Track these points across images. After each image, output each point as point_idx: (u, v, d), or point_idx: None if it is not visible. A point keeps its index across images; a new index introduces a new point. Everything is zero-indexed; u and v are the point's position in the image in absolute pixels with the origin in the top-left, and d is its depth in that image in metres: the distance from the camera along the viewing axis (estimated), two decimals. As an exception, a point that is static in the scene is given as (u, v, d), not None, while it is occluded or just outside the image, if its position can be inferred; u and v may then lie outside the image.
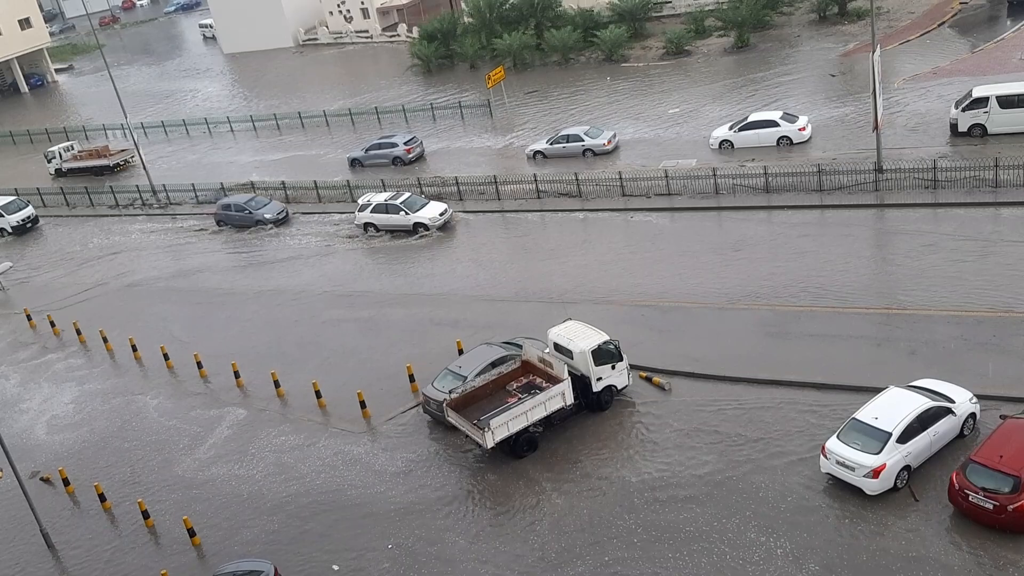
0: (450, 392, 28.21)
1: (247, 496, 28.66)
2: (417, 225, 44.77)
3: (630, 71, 63.35)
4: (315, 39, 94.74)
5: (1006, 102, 40.40)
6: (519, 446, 27.31)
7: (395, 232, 45.42)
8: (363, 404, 31.33)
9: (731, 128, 46.65)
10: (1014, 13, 55.20)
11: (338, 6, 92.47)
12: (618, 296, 34.99)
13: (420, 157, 55.67)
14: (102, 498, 29.46)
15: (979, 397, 24.75)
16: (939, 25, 58.05)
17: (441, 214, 45.06)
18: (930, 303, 30.27)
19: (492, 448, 26.63)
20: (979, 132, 41.29)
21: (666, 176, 42.83)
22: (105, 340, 39.79)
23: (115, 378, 37.47)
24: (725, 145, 46.36)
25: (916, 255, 33.67)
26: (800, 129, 45.02)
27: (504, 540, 24.66)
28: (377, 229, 45.93)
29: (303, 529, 26.84)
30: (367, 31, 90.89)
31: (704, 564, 22.44)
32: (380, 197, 46.47)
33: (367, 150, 56.19)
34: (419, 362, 32.48)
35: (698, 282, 34.92)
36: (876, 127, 39.67)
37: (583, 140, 50.13)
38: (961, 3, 60.55)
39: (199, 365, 36.07)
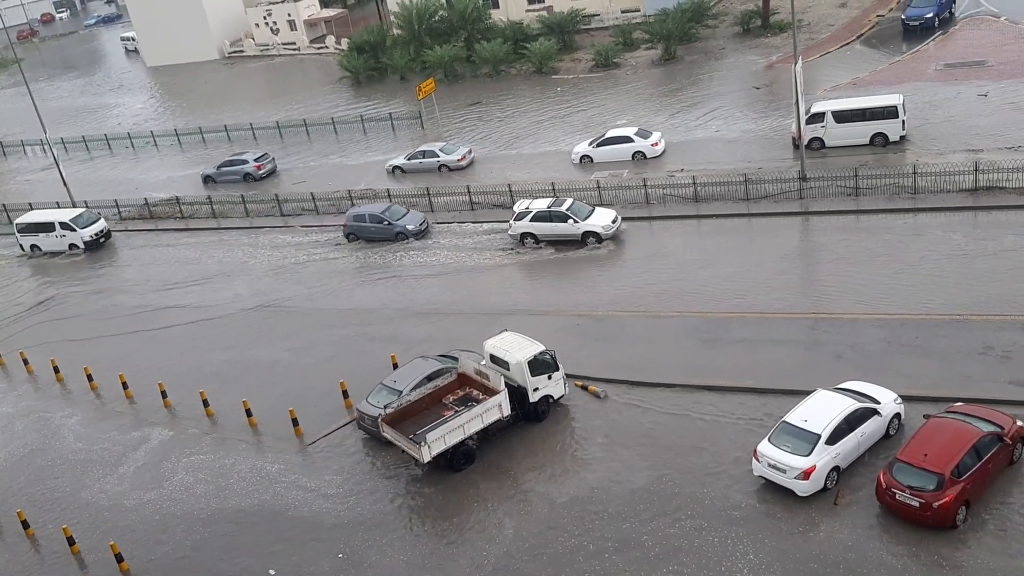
0: (385, 407, 27.90)
1: (175, 516, 27.86)
2: (588, 235, 39.95)
3: (563, 83, 63.88)
4: (241, 51, 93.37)
5: (841, 117, 42.75)
6: (457, 459, 27.12)
7: (560, 243, 40.35)
8: (295, 422, 30.80)
9: (590, 144, 48.70)
10: (909, 38, 57.15)
11: (264, 18, 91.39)
12: (554, 307, 35.11)
13: (272, 173, 57.52)
14: (25, 525, 28.32)
15: (903, 397, 25.44)
16: (858, 38, 59.89)
17: (613, 221, 40.10)
18: (855, 307, 31.07)
19: (429, 462, 26.40)
20: (818, 145, 43.49)
21: (598, 187, 43.29)
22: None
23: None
24: (585, 160, 48.46)
25: (841, 260, 34.54)
26: (653, 144, 47.27)
27: (441, 556, 24.39)
28: (538, 240, 41.08)
29: (235, 544, 26.26)
30: (294, 43, 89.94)
31: (641, 574, 22.52)
32: (542, 204, 41.21)
33: (219, 167, 58.08)
34: (353, 378, 32.07)
35: (631, 291, 35.26)
36: (799, 136, 40.69)
37: (438, 156, 52.04)
38: (878, 16, 62.60)
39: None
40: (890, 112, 42.32)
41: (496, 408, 27.34)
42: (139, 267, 48.28)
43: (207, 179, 58.30)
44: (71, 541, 27.17)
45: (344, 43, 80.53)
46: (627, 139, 47.84)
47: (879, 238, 35.48)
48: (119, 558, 26.03)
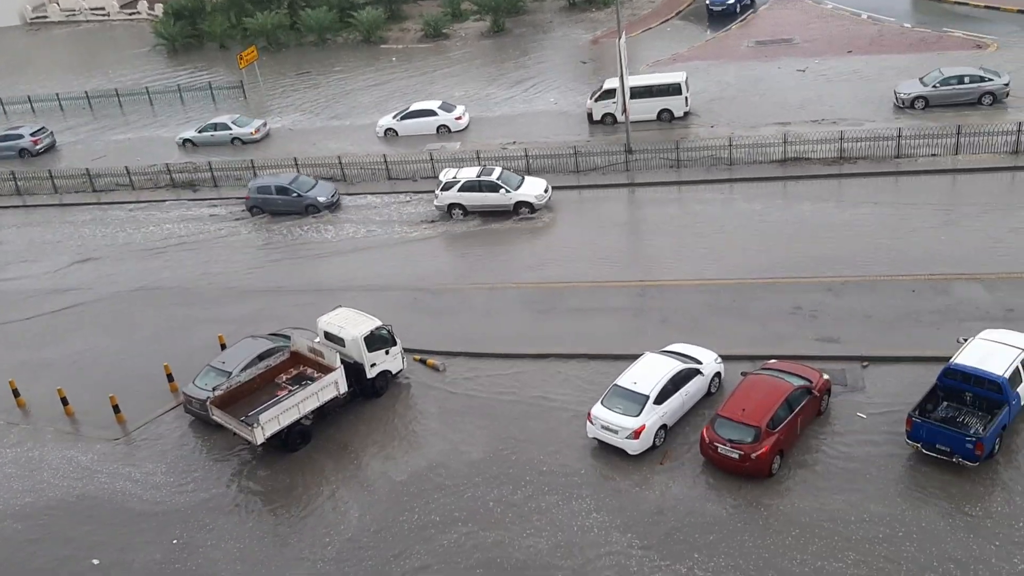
0: (214, 389, 26.82)
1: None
2: (520, 205, 38.61)
3: (395, 52, 62.92)
4: (45, 17, 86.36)
5: (634, 93, 44.33)
6: (292, 439, 26.48)
7: (489, 214, 38.79)
8: (116, 409, 29.13)
9: (395, 117, 48.95)
10: (713, 23, 59.83)
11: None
12: (391, 282, 34.77)
13: (51, 147, 54.67)
14: None
15: (723, 357, 26.90)
16: (677, 14, 62.27)
17: (545, 191, 38.90)
18: (679, 274, 32.48)
19: (262, 444, 25.65)
20: (611, 120, 45.51)
21: (431, 159, 43.12)
22: None
23: None
24: (390, 133, 48.58)
25: (665, 230, 36.02)
26: (457, 118, 47.85)
27: (281, 541, 23.83)
28: (466, 212, 39.09)
29: (53, 536, 24.83)
30: (103, 8, 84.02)
31: (490, 539, 22.76)
32: (470, 172, 39.25)
33: None
34: (177, 361, 30.65)
35: (467, 265, 35.41)
36: (625, 110, 41.95)
37: (231, 128, 51.03)
38: (694, -5, 65.20)
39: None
40: (674, 89, 44.59)
41: (332, 386, 26.85)
42: None
43: None
44: None
45: (158, 8, 75.97)
46: (431, 112, 47.99)
47: (699, 208, 37.20)
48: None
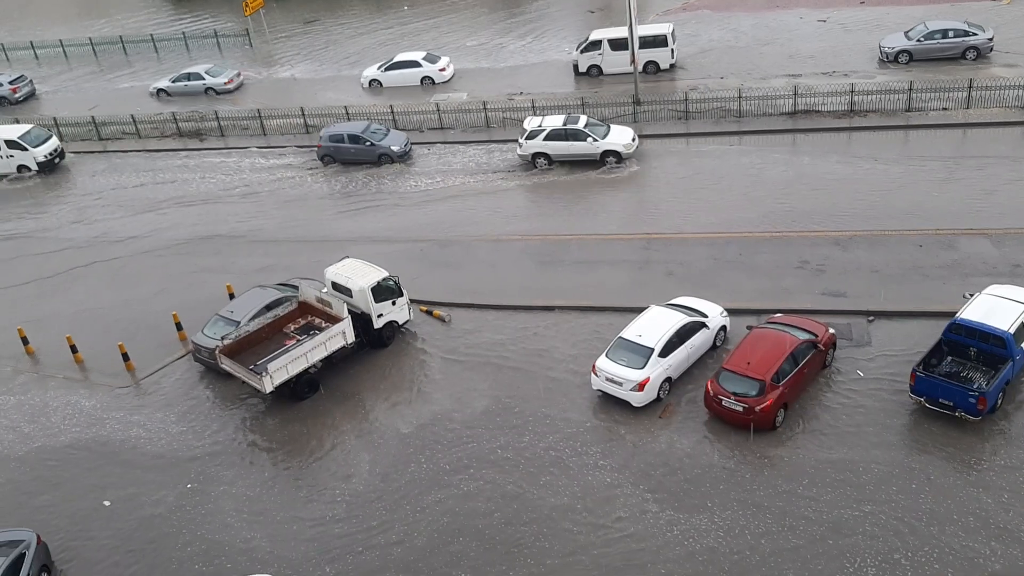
0: (222, 338, 27.04)
1: (-4, 461, 26.34)
2: (607, 154, 37.52)
3: (406, 1, 62.18)
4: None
5: (616, 45, 44.45)
6: (300, 388, 26.76)
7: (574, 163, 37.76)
8: (126, 357, 29.41)
9: (379, 68, 48.99)
10: None
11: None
12: (398, 234, 34.78)
13: (31, 96, 54.89)
14: None
15: (728, 311, 26.96)
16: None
17: (632, 139, 37.78)
18: (685, 227, 32.42)
19: (271, 392, 25.93)
20: (596, 72, 45.63)
21: (437, 109, 42.85)
22: None
23: None
24: (374, 84, 48.73)
25: (672, 182, 35.87)
26: (441, 70, 48.11)
27: (290, 485, 24.19)
28: (550, 161, 38.22)
29: (61, 477, 25.33)
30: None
31: (508, 486, 23.00)
32: (555, 120, 38.13)
33: None
34: (184, 310, 30.84)
35: (472, 216, 35.37)
36: (633, 61, 41.51)
37: (204, 79, 51.12)
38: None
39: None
40: (660, 41, 44.53)
41: (340, 335, 27.04)
42: (93, 194, 42.56)
43: None
44: None
45: (162, -47, 74.92)
46: (415, 63, 48.23)
47: (706, 161, 36.97)
48: (-66, 509, 24.38)
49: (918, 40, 41.86)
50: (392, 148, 40.38)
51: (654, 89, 42.14)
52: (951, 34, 41.52)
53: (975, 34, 41.34)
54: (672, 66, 44.75)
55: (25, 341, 31.01)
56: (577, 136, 37.57)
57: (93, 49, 59.93)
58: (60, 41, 60.78)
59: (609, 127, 38.31)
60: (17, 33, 66.04)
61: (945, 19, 43.80)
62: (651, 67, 44.72)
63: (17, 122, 48.52)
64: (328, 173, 40.75)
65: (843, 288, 27.97)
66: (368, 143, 40.53)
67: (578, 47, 46.10)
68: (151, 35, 60.13)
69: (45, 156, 44.71)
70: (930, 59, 41.61)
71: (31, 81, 55.31)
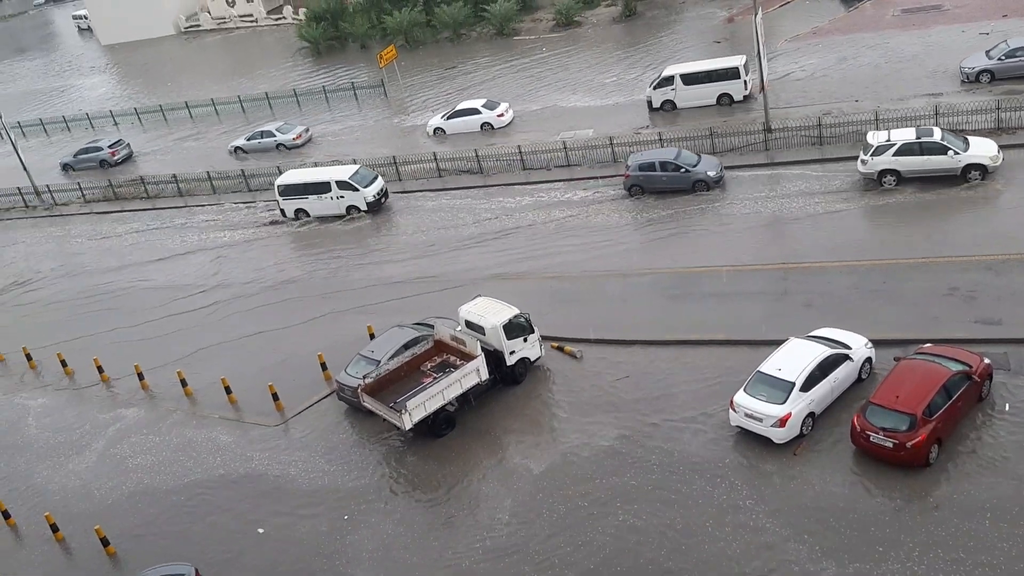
0: (364, 377, 27.98)
1: (159, 490, 27.98)
2: (970, 168, 33.77)
3: (539, 43, 63.32)
4: (197, 26, 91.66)
5: (688, 79, 44.71)
6: (438, 425, 27.33)
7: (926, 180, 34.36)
8: (275, 396, 30.81)
9: (442, 117, 51.28)
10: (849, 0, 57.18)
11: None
12: (528, 271, 35.16)
13: (128, 158, 59.74)
14: (5, 515, 28.21)
15: (873, 342, 25.88)
16: (816, -14, 59.82)
17: (999, 151, 34.21)
18: (823, 256, 31.38)
19: (411, 430, 26.59)
20: (670, 107, 45.75)
21: (564, 147, 43.32)
22: None
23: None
24: (439, 132, 50.99)
25: (810, 208, 34.85)
26: (499, 115, 50.04)
27: (431, 525, 24.61)
28: (900, 178, 34.62)
29: (216, 507, 26.72)
30: (251, 15, 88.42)
31: (651, 524, 22.79)
32: (906, 134, 34.77)
33: (76, 155, 59.95)
34: (330, 351, 32.09)
35: (601, 253, 35.33)
36: (763, 88, 40.84)
37: (275, 136, 54.71)
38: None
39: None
40: (733, 73, 44.45)
41: (474, 373, 27.51)
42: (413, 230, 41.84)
43: (65, 167, 59.88)
44: (54, 528, 27.11)
45: (302, 13, 79.24)
46: (475, 111, 50.35)
47: (844, 186, 35.78)
48: (105, 541, 26.04)
49: (999, 59, 40.55)
50: (708, 174, 38.37)
51: (784, 115, 41.23)
52: None
53: None
54: (745, 98, 44.78)
55: (184, 383, 32.90)
56: (935, 150, 34.21)
57: (215, 109, 64.02)
58: (238, 97, 64.68)
59: (968, 140, 34.75)
60: (174, 94, 70.85)
61: None
62: (725, 99, 44.97)
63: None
64: (642, 202, 38.62)
65: (997, 315, 26.39)
66: (683, 169, 38.55)
67: (651, 84, 46.72)
68: (294, 90, 63.39)
69: (374, 196, 43.87)
70: (1013, 77, 40.06)
71: (128, 144, 60.49)
